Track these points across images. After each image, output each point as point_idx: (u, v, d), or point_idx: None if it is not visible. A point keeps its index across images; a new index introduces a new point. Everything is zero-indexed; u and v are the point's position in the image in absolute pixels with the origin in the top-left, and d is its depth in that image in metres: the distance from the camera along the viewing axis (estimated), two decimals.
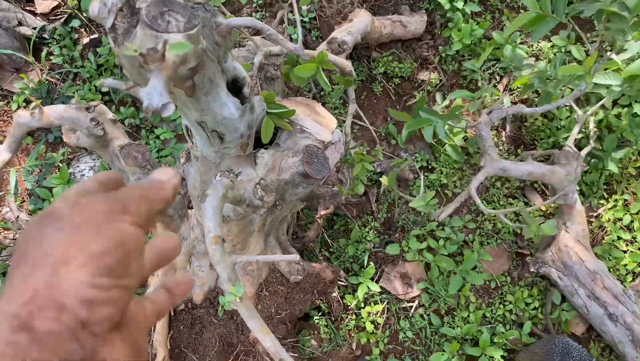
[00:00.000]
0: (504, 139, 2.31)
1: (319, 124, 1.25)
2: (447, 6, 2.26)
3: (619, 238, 2.12)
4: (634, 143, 2.19)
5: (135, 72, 0.76)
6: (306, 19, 2.35)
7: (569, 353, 1.79)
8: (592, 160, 2.17)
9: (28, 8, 2.32)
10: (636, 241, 2.13)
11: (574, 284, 1.99)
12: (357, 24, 2.21)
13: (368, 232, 2.10)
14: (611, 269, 2.10)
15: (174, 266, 1.73)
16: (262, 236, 1.53)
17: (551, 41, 2.36)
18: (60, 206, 0.41)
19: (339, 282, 2.00)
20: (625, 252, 2.12)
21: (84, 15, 2.31)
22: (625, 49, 1.73)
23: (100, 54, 2.22)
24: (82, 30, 2.32)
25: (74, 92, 2.17)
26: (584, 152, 2.09)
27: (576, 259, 1.99)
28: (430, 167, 2.25)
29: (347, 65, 1.69)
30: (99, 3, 0.70)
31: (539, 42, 2.39)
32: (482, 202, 2.18)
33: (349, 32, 2.12)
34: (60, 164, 2.09)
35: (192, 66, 0.76)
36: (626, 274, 2.11)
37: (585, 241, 2.05)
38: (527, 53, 2.34)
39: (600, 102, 2.07)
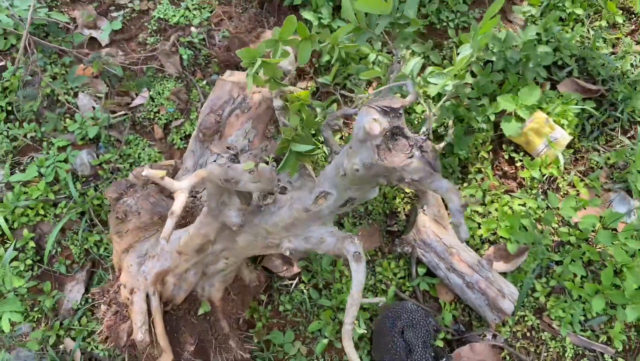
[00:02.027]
0: None
1: None
2: (315, 22, 2.60)
3: (472, 211, 2.42)
4: (483, 130, 2.51)
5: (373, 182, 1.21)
6: (196, 40, 2.65)
7: (400, 317, 2.03)
8: (448, 146, 2.48)
9: None
10: (490, 214, 2.43)
11: (434, 259, 2.25)
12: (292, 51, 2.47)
13: None
14: (468, 240, 2.38)
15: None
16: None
17: (410, 48, 2.71)
18: None
19: None
20: (479, 224, 2.40)
21: None
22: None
23: (5, 77, 2.47)
24: None
25: None
26: (442, 144, 2.41)
27: (434, 237, 2.25)
28: None
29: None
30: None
31: (402, 48, 2.74)
32: None
33: (290, 62, 2.39)
34: None
35: None
36: (482, 243, 2.40)
37: (443, 221, 2.32)
38: (389, 60, 2.68)
39: (444, 98, 2.40)
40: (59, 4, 2.74)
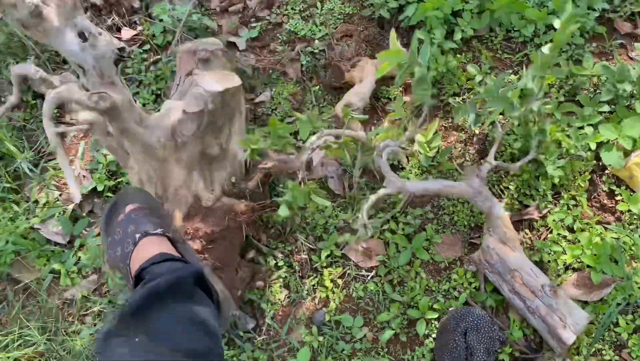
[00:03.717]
0: (471, 151, 2.70)
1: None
2: (427, 41, 2.79)
3: (559, 235, 2.39)
4: (582, 158, 2.49)
5: None
6: (316, 51, 2.97)
7: (465, 319, 2.07)
8: (530, 165, 2.48)
9: (117, 35, 3.16)
10: (579, 242, 2.39)
11: (498, 280, 2.26)
12: (367, 85, 2.71)
13: (339, 210, 2.56)
14: (550, 262, 2.36)
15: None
16: (183, 169, 2.11)
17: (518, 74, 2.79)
18: None
19: (308, 245, 2.46)
20: (564, 250, 2.37)
21: (154, 42, 3.10)
22: None
23: (159, 68, 2.97)
24: (151, 52, 3.11)
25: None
26: (521, 161, 2.41)
27: (497, 258, 2.25)
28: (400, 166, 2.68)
29: (362, 136, 2.12)
30: None
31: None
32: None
33: (362, 98, 2.65)
34: None
35: None
36: (566, 269, 2.36)
37: (512, 242, 2.29)
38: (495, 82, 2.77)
39: (517, 114, 2.41)
40: (210, 13, 3.24)
